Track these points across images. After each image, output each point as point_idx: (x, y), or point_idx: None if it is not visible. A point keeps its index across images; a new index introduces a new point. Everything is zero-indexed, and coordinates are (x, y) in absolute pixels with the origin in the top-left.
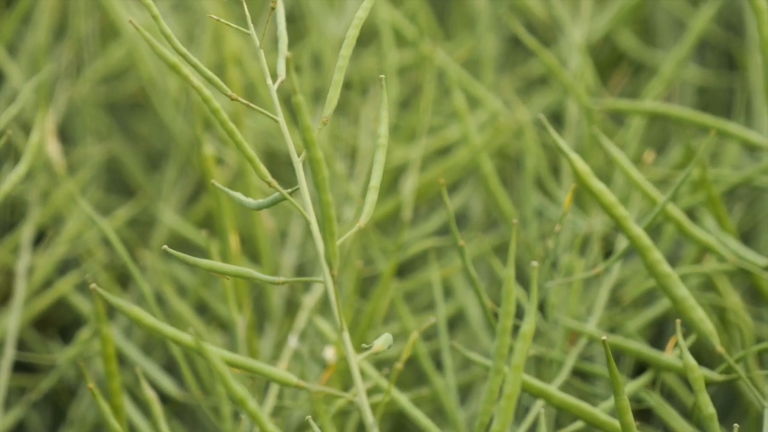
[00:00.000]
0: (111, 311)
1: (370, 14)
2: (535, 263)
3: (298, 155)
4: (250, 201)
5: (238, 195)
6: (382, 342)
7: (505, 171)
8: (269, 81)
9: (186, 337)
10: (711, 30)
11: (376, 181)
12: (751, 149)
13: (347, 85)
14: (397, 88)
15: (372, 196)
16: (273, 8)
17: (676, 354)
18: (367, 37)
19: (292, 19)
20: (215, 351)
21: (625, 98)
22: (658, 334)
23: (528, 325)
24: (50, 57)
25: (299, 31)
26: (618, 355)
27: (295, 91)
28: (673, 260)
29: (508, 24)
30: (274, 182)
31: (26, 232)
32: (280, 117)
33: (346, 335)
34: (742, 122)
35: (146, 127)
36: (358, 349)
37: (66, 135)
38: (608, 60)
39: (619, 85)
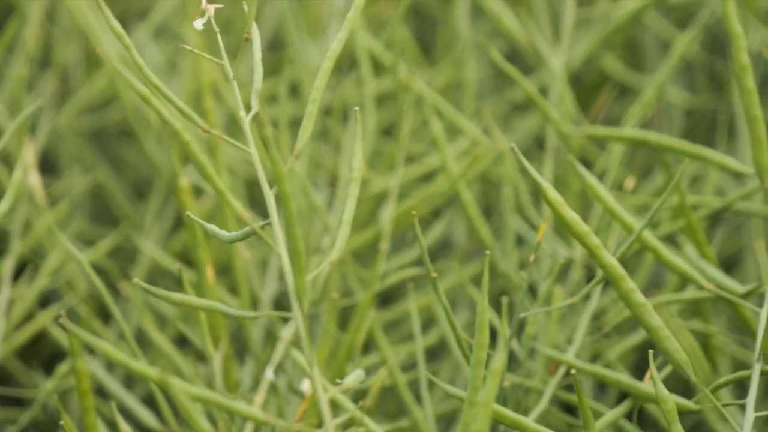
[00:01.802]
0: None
1: (351, 41)
2: (504, 298)
3: (272, 187)
4: (224, 234)
5: (213, 227)
6: (353, 379)
7: (488, 196)
8: (242, 113)
9: (153, 372)
10: (696, 53)
11: (348, 214)
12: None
13: (327, 112)
14: (375, 116)
15: (344, 231)
16: (247, 39)
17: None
18: (349, 63)
19: (274, 47)
20: (181, 386)
21: (611, 121)
22: (642, 358)
23: (497, 362)
24: (34, 86)
25: (280, 59)
26: (601, 382)
27: (264, 125)
28: (657, 285)
29: (489, 51)
30: (246, 216)
31: (7, 265)
32: (253, 150)
33: (316, 372)
34: (726, 146)
35: (133, 155)
36: (336, 379)
37: (51, 165)
38: (594, 82)
39: (604, 109)
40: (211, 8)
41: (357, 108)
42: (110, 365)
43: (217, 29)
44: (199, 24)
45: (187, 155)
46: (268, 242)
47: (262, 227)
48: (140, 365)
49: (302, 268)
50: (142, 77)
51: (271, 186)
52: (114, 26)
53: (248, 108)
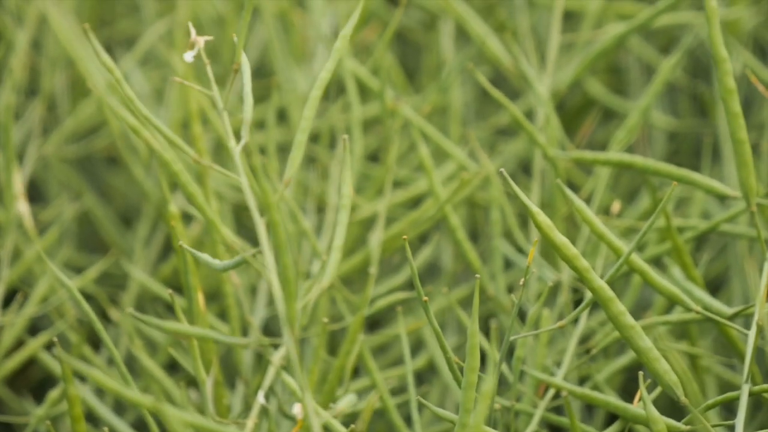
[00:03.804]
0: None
1: (338, 67)
2: (494, 321)
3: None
4: (216, 262)
5: (205, 256)
6: (345, 403)
7: (475, 220)
8: (232, 143)
9: (146, 400)
10: (679, 76)
11: (338, 241)
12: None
13: (315, 139)
14: (363, 141)
15: (335, 257)
16: (236, 70)
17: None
18: (336, 89)
19: (260, 73)
20: (173, 413)
21: (596, 144)
22: (629, 380)
23: (488, 384)
24: (21, 114)
25: (267, 85)
26: (589, 404)
27: (251, 154)
28: (644, 307)
29: (474, 75)
30: (237, 244)
31: None
32: (243, 179)
33: (309, 397)
34: (710, 168)
35: (121, 181)
36: (327, 403)
37: (39, 192)
38: (579, 106)
39: (589, 132)
40: (201, 40)
41: (345, 136)
42: (100, 390)
43: (207, 61)
44: (189, 56)
45: (176, 181)
46: (259, 270)
47: (254, 255)
48: (132, 393)
49: (293, 295)
50: (131, 107)
51: (261, 214)
52: (104, 59)
53: (238, 137)
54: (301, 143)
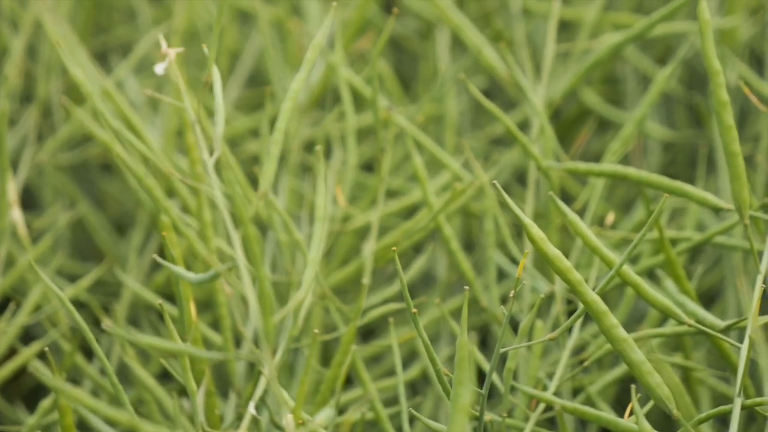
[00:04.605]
0: (77, 376)
1: (333, 76)
2: (468, 338)
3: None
4: (191, 276)
5: (180, 270)
6: (323, 418)
7: (469, 229)
8: (205, 156)
9: (122, 416)
10: (676, 87)
11: (314, 254)
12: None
13: (309, 148)
14: (357, 150)
15: (311, 271)
16: (207, 83)
17: (633, 419)
18: (331, 98)
19: (257, 82)
20: (150, 430)
21: (591, 153)
22: (622, 391)
23: (463, 398)
24: (16, 121)
25: (262, 93)
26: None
27: (227, 167)
28: (638, 319)
29: (468, 87)
30: (213, 259)
31: None
32: (217, 192)
33: (289, 418)
34: (706, 179)
35: (115, 188)
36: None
37: (33, 199)
38: (574, 115)
39: (585, 142)
40: (172, 52)
41: (318, 147)
42: (96, 392)
43: (178, 74)
44: (160, 68)
45: (171, 190)
46: (234, 285)
47: (229, 270)
48: (110, 409)
49: (269, 309)
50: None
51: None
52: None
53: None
54: (274, 155)
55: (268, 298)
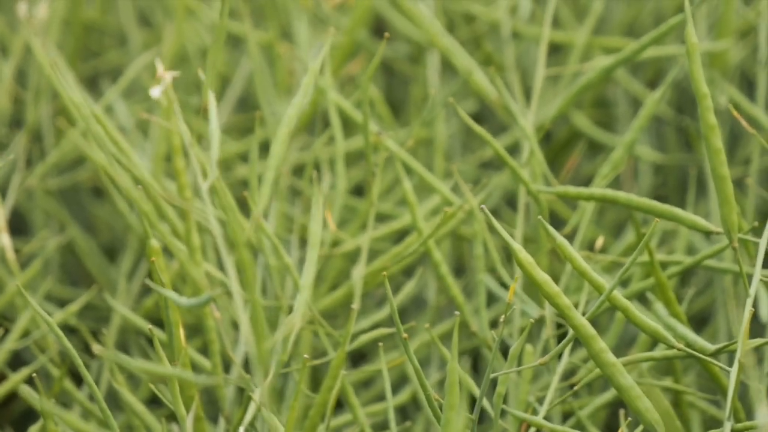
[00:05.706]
0: (66, 401)
1: (323, 100)
2: (459, 363)
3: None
4: (183, 300)
5: (170, 293)
6: None
7: (459, 253)
8: (200, 180)
9: None
10: (666, 110)
11: (306, 279)
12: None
13: (298, 172)
14: (347, 175)
15: (304, 296)
16: (203, 109)
17: None
18: (321, 122)
19: (247, 106)
20: None
21: (582, 176)
22: (612, 415)
23: (456, 424)
24: (5, 146)
25: (252, 117)
26: None
27: (221, 191)
28: (628, 342)
29: (457, 111)
30: (205, 281)
31: None
32: (212, 219)
33: None
34: (696, 202)
35: (105, 212)
36: None
37: (23, 224)
38: (565, 138)
39: (575, 165)
40: (168, 75)
41: (315, 171)
42: (85, 416)
43: (174, 99)
44: (156, 92)
45: (160, 215)
46: (227, 311)
47: (221, 294)
48: None
49: (262, 335)
50: (112, 142)
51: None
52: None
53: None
54: (269, 180)
55: (261, 323)
